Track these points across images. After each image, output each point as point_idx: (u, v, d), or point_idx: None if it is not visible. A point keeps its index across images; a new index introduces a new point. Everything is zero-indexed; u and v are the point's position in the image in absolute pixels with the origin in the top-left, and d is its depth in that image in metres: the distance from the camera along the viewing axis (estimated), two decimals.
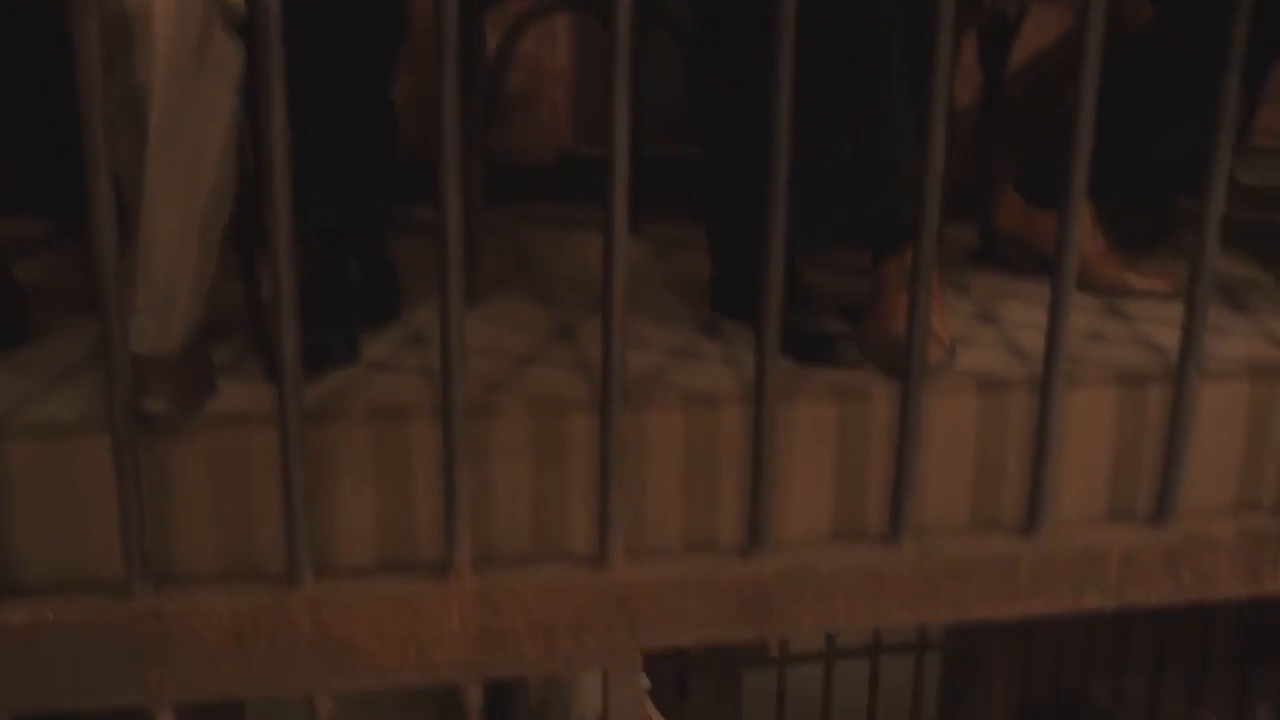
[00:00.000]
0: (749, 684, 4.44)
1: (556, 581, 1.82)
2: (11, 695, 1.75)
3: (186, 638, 1.76)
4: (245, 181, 1.88)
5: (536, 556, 1.87)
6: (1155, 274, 2.28)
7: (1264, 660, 3.34)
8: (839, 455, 1.92)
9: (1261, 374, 2.03)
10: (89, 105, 1.54)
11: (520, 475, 1.85)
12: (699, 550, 1.90)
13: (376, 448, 1.82)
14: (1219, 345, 2.07)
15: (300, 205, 1.65)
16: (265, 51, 1.55)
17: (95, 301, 1.62)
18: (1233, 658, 3.67)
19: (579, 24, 2.94)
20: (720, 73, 2.05)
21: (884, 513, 1.89)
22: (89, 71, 1.51)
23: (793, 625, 1.89)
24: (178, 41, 1.67)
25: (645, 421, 1.86)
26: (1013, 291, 2.25)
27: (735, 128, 2.01)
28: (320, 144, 1.93)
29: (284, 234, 1.63)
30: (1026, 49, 2.77)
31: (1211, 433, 2.00)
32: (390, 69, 2.06)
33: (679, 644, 1.87)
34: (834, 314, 2.05)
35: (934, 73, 1.70)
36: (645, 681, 3.15)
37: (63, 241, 2.35)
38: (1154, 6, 2.34)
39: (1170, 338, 1.94)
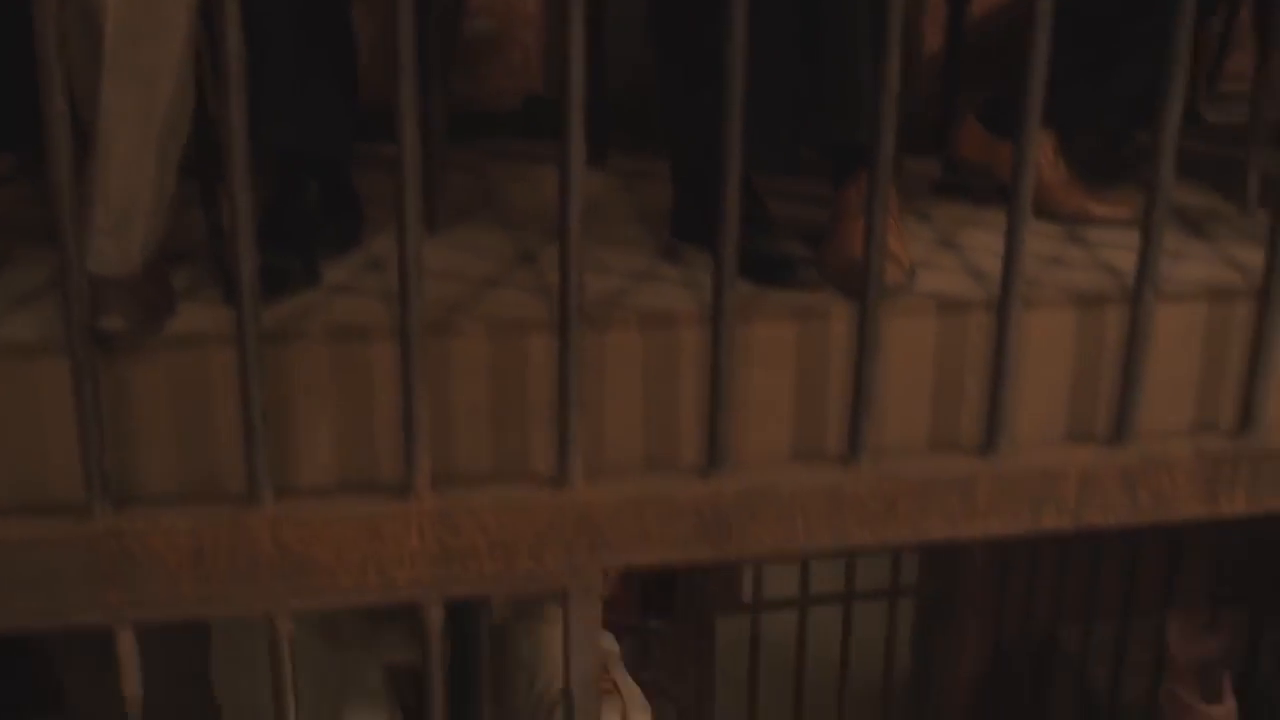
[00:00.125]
0: (722, 630, 4.46)
1: (516, 501, 1.83)
2: None
3: (147, 557, 1.77)
4: (204, 103, 1.88)
5: (496, 477, 1.87)
6: (1116, 202, 2.29)
7: (1232, 602, 3.37)
8: (798, 376, 1.92)
9: (1219, 296, 2.04)
10: (43, 22, 1.54)
11: (480, 396, 1.86)
12: (659, 470, 1.90)
13: (336, 368, 1.83)
14: (1178, 269, 2.08)
15: (257, 126, 1.66)
16: None
17: (53, 223, 1.62)
18: (1200, 601, 3.69)
19: None
20: None
21: (843, 433, 1.90)
22: None
23: (752, 545, 1.90)
24: None
25: (604, 342, 1.86)
26: (975, 220, 2.26)
27: (693, 51, 2.01)
28: (277, 65, 1.92)
29: (239, 152, 1.63)
30: None
31: (1169, 355, 2.01)
32: None
33: (639, 563, 1.88)
34: (794, 239, 2.05)
35: None
36: (613, 644, 3.15)
37: (23, 177, 2.34)
38: None
39: (1129, 262, 1.95)
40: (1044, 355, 1.99)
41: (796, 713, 4.72)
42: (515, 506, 1.82)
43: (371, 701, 2.82)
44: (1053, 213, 2.27)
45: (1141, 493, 1.99)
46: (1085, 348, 2.00)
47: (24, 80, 1.63)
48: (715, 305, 1.79)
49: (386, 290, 1.91)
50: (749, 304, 1.90)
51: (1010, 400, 1.92)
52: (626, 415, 1.89)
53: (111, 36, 1.68)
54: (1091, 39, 2.21)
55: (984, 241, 2.13)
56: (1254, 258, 2.03)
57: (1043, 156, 2.28)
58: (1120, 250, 2.11)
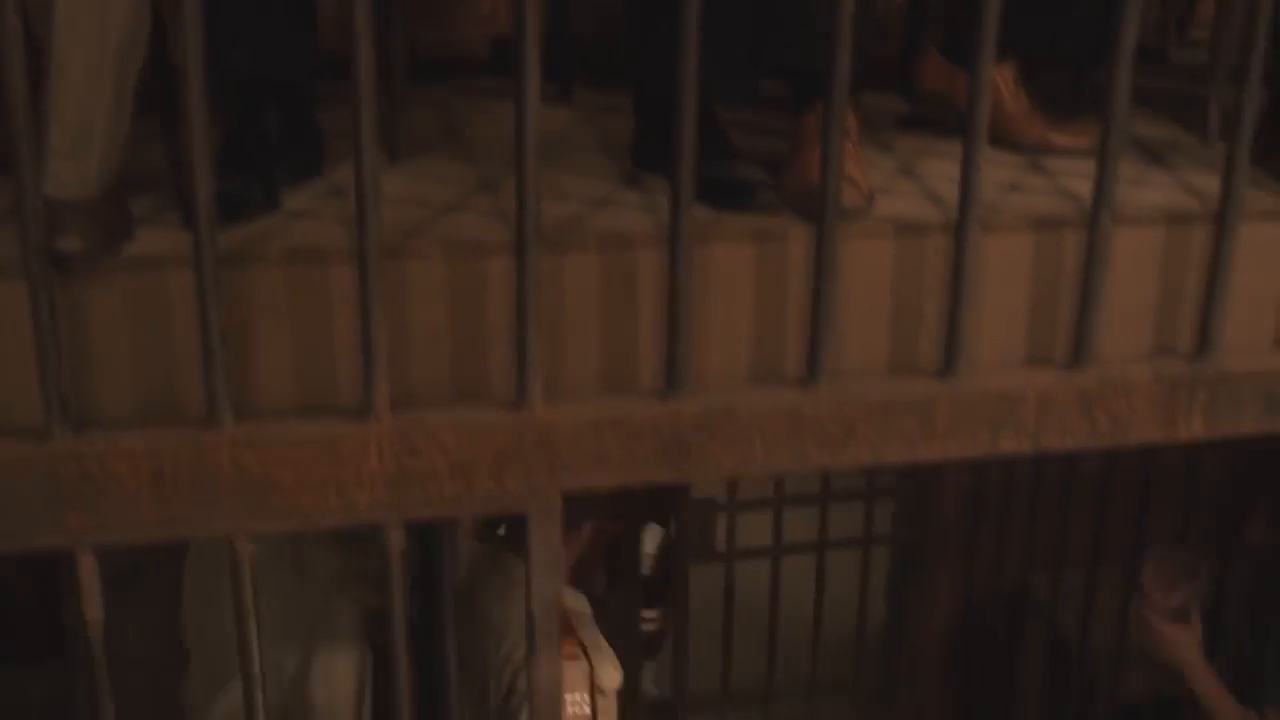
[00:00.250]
0: (695, 579, 4.47)
1: (475, 422, 1.83)
2: None
3: (106, 479, 1.77)
4: (164, 35, 1.88)
5: (456, 399, 1.88)
6: (1078, 132, 2.29)
7: (1199, 549, 3.40)
8: (757, 298, 1.93)
9: (1178, 221, 2.05)
10: None
11: (439, 318, 1.86)
12: (618, 392, 1.91)
13: (294, 291, 1.83)
14: (1137, 195, 2.09)
15: (214, 53, 1.66)
16: None
17: (8, 144, 1.62)
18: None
19: None
20: None
21: (802, 356, 1.91)
22: None
23: (711, 466, 1.91)
24: None
25: (563, 264, 1.86)
26: (936, 150, 2.26)
27: None
28: None
29: (195, 71, 1.63)
30: None
31: (1127, 279, 2.02)
32: None
33: (599, 485, 1.89)
34: (754, 165, 2.06)
35: None
36: (584, 605, 3.15)
37: None
38: None
39: (1089, 190, 1.95)
40: (1002, 279, 1.99)
41: (770, 662, 4.75)
42: (474, 428, 1.83)
43: (343, 642, 2.82)
44: (1015, 143, 2.28)
45: (1099, 416, 2.00)
46: (1043, 272, 2.01)
47: None
48: (673, 226, 1.79)
49: (346, 216, 1.90)
50: (707, 227, 1.90)
51: (968, 323, 1.93)
52: (585, 337, 1.90)
53: None
54: None
55: (944, 170, 2.13)
56: (1213, 185, 2.03)
57: (1004, 87, 2.28)
58: (1080, 179, 2.12)
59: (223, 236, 1.75)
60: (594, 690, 2.96)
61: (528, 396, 1.83)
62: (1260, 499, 3.21)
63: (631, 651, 3.87)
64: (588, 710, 2.92)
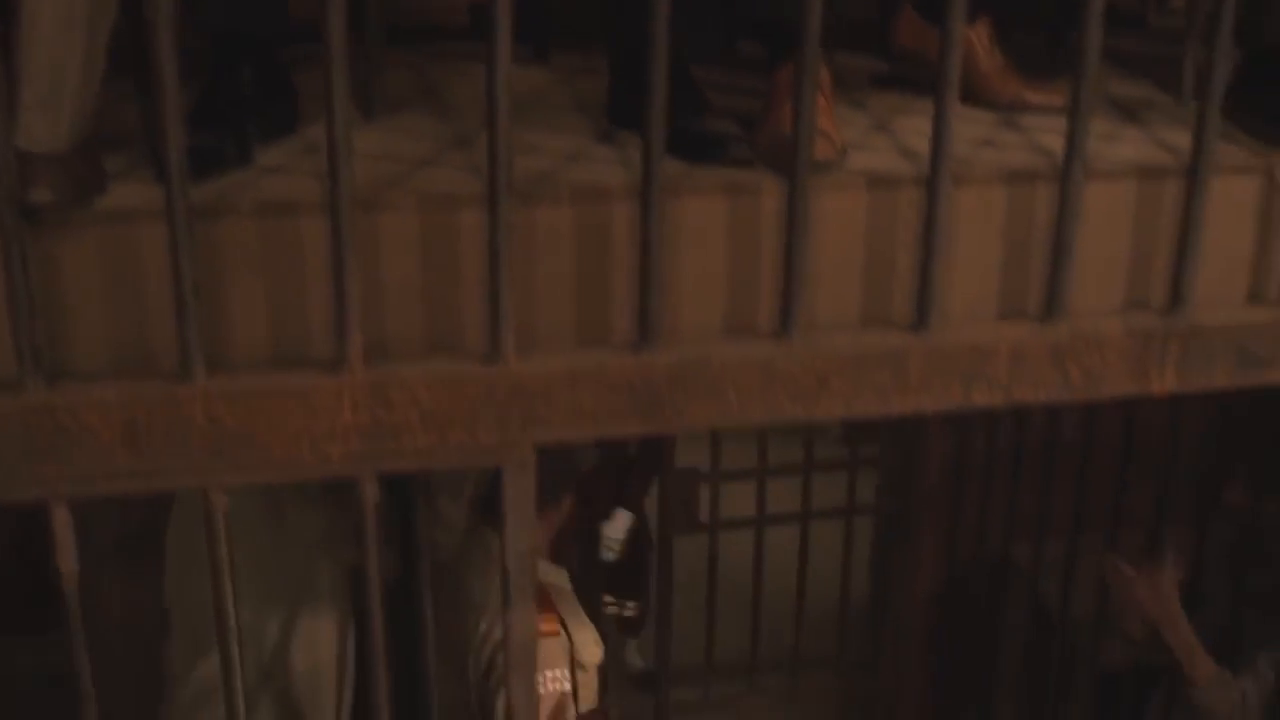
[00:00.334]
0: (680, 549, 4.48)
1: (448, 375, 1.84)
2: None
3: (80, 431, 1.77)
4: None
5: (430, 351, 1.88)
6: (1053, 91, 2.30)
7: (1175, 521, 3.41)
8: (730, 251, 1.93)
9: (1150, 175, 2.05)
10: None
11: (412, 271, 1.86)
12: (591, 345, 1.91)
13: (267, 243, 1.83)
14: (1110, 150, 2.10)
15: (188, 5, 1.66)
16: None
17: None
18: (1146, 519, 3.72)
19: None
20: None
21: (776, 309, 1.92)
22: None
23: (685, 419, 1.91)
24: None
25: (535, 217, 1.87)
26: (911, 108, 2.26)
27: None
28: None
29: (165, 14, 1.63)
30: None
31: (1100, 233, 2.03)
32: None
33: (573, 437, 1.89)
34: (727, 119, 2.06)
35: None
36: (564, 580, 3.14)
37: None
38: None
39: (1062, 145, 1.96)
40: (975, 232, 2.00)
41: (754, 633, 4.76)
42: (447, 380, 1.83)
43: (325, 606, 2.82)
44: (990, 101, 2.28)
45: (1072, 369, 2.01)
46: (1016, 226, 2.02)
47: None
48: (644, 178, 1.80)
49: (320, 171, 1.90)
50: (680, 180, 1.91)
51: (941, 276, 1.94)
52: (559, 290, 1.90)
53: None
54: None
55: (918, 126, 2.13)
56: (1186, 141, 2.04)
57: (979, 45, 2.29)
58: (1054, 135, 2.12)
59: (195, 190, 1.76)
60: (574, 665, 2.97)
61: (501, 349, 1.84)
62: (1238, 464, 3.23)
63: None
64: (568, 685, 2.93)
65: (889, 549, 4.80)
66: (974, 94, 2.25)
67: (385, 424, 1.83)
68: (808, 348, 1.92)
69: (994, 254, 2.02)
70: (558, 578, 3.17)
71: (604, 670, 3.15)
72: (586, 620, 3.12)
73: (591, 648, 3.06)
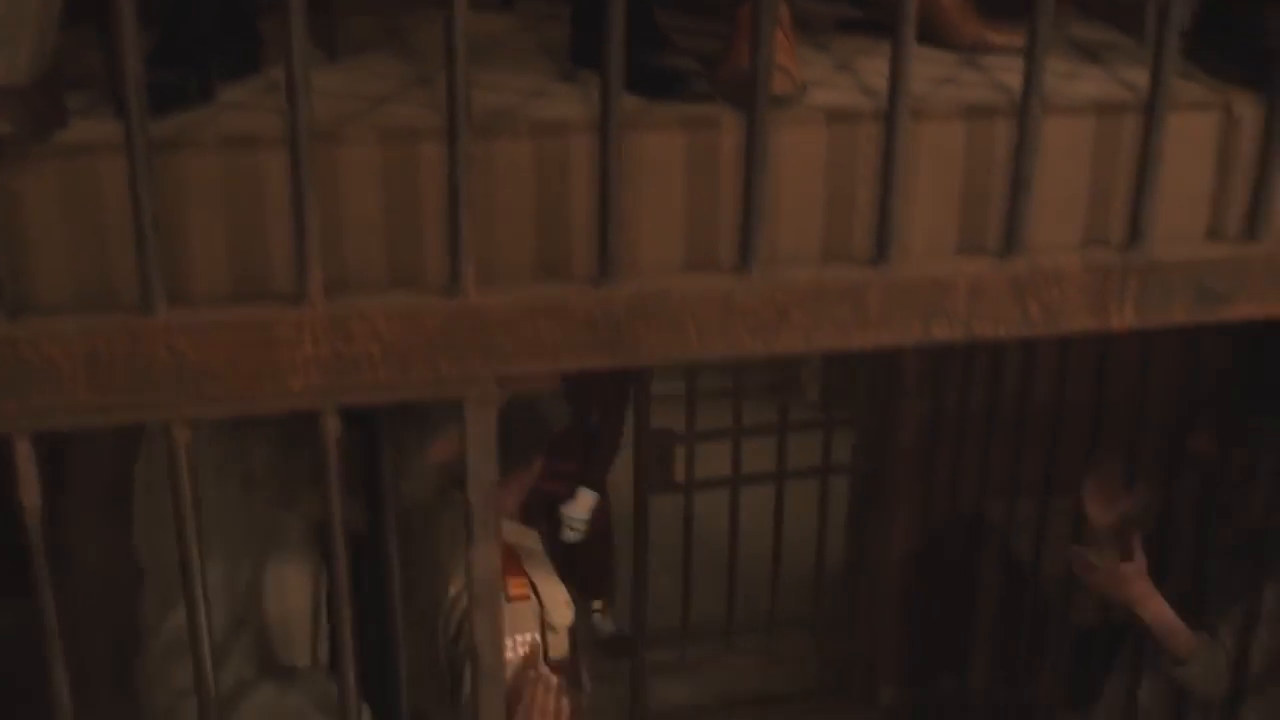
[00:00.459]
0: (655, 509, 4.50)
1: (408, 308, 1.85)
2: None
3: (41, 364, 1.78)
4: None
5: (390, 285, 1.89)
6: (1015, 32, 2.30)
7: (1142, 480, 3.43)
8: (690, 185, 1.94)
9: (1109, 110, 2.06)
10: None
11: (373, 205, 1.87)
12: (552, 278, 1.92)
13: (228, 177, 1.83)
14: (1070, 87, 2.11)
15: None
16: None
17: None
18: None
19: None
20: None
21: (736, 242, 1.93)
22: None
23: (645, 353, 1.92)
24: None
25: (495, 150, 1.87)
26: (875, 50, 2.26)
27: None
28: None
29: None
30: None
31: (1059, 168, 2.04)
32: None
33: (534, 370, 1.90)
34: (687, 56, 2.07)
35: None
36: (536, 543, 3.14)
37: None
38: None
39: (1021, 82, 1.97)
40: (935, 168, 2.01)
41: (730, 594, 4.78)
42: (407, 313, 1.84)
43: (294, 555, 2.82)
44: (952, 42, 2.29)
45: (1031, 304, 2.02)
46: (976, 161, 2.03)
47: None
48: (603, 110, 1.81)
49: (281, 108, 1.90)
50: (639, 114, 1.92)
51: (901, 211, 1.95)
52: (520, 224, 1.91)
53: None
54: None
55: (880, 67, 2.13)
56: (1146, 80, 2.05)
57: None
58: (1015, 74, 2.12)
59: (156, 124, 1.76)
60: (545, 628, 2.98)
61: (461, 282, 1.84)
62: (1204, 411, 3.24)
63: None
64: (540, 648, 2.93)
65: (865, 508, 4.82)
66: (936, 34, 2.27)
67: (346, 357, 1.84)
68: (767, 281, 1.93)
69: (954, 189, 2.03)
70: (528, 540, 3.17)
71: (574, 632, 3.15)
72: (557, 581, 3.11)
73: (562, 609, 3.06)
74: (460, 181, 1.79)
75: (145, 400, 1.82)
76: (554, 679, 2.74)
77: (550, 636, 2.99)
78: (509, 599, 2.93)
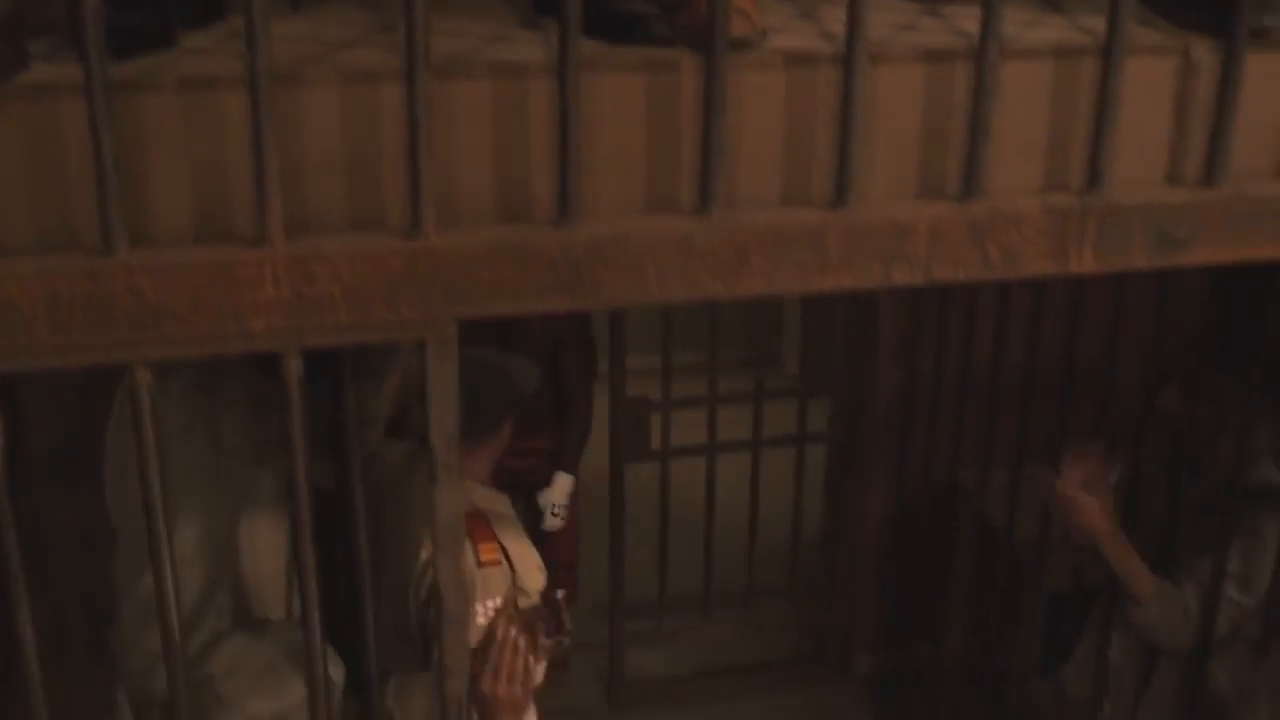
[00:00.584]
0: (631, 477, 4.51)
1: (369, 249, 1.85)
2: None
3: (2, 305, 1.78)
4: None
5: (351, 227, 1.90)
6: None
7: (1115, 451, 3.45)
8: (649, 128, 1.95)
9: (1067, 54, 2.07)
10: None
11: (333, 145, 1.88)
12: (512, 221, 1.93)
13: (189, 118, 1.84)
14: (1030, 34, 2.12)
15: None
16: None
17: None
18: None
19: None
20: None
21: (696, 185, 1.94)
22: None
23: (605, 295, 1.93)
24: None
25: (453, 91, 1.88)
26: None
27: None
28: None
29: None
30: None
31: (1018, 112, 2.05)
32: None
33: (494, 313, 1.91)
34: (649, 3, 2.08)
35: None
36: (506, 507, 3.14)
37: None
38: None
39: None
40: (894, 111, 2.02)
41: (707, 563, 4.80)
42: (368, 255, 1.85)
43: (265, 513, 2.83)
44: None
45: (990, 248, 2.04)
46: (935, 105, 2.04)
47: None
48: (561, 51, 1.81)
49: (243, 54, 1.91)
50: (599, 57, 1.92)
51: (860, 155, 1.96)
52: (480, 166, 1.92)
53: None
54: None
55: (840, 14, 2.14)
56: (1104, 25, 2.06)
57: None
58: (975, 21, 2.13)
59: (117, 66, 1.77)
60: (517, 592, 2.98)
61: (421, 224, 1.85)
62: (1173, 369, 3.26)
63: None
64: (511, 612, 2.93)
65: (841, 476, 4.84)
66: None
67: (308, 298, 1.85)
68: (727, 224, 1.94)
69: (913, 133, 2.04)
70: (498, 504, 3.18)
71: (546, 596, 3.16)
72: (529, 545, 3.12)
73: (535, 574, 3.07)
74: (420, 123, 1.79)
75: (106, 341, 1.83)
76: (521, 641, 2.74)
77: (522, 601, 3.00)
78: (480, 564, 2.94)
